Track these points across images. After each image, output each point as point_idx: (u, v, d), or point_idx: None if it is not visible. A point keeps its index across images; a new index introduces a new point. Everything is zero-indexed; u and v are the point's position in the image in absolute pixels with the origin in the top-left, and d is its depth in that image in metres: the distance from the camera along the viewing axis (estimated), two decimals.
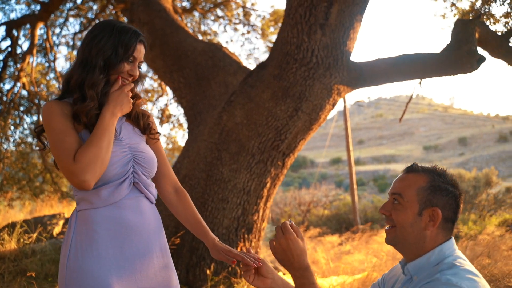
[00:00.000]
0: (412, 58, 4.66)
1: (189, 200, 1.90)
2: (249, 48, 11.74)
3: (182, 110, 12.88)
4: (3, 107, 9.97)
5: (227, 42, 12.92)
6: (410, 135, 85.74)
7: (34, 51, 9.70)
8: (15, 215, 7.67)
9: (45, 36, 10.84)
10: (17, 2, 10.82)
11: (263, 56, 13.14)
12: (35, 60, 10.09)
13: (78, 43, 11.91)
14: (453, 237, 1.59)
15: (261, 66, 4.61)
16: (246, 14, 11.88)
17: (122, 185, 1.62)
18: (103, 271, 1.54)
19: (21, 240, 4.99)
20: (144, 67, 17.13)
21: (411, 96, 6.27)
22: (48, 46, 10.77)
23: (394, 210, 1.58)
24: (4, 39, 9.62)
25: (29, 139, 11.33)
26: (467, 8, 6.44)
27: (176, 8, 9.73)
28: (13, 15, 9.87)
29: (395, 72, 4.63)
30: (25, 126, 11.22)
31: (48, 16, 9.34)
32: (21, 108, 10.90)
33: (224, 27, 12.04)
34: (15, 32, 9.90)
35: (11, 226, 5.25)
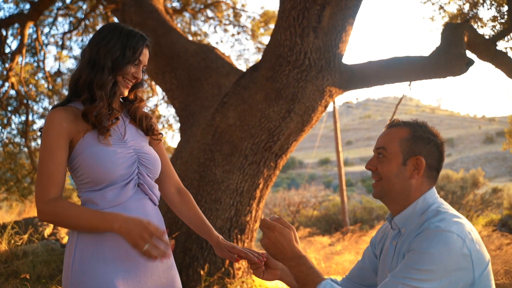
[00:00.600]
0: (402, 60, 4.73)
1: (192, 200, 1.93)
2: (239, 49, 11.79)
3: (172, 111, 12.87)
4: None
5: (217, 43, 12.91)
6: None
7: (24, 51, 9.61)
8: (4, 217, 7.60)
9: (34, 36, 10.75)
10: (5, 1, 10.71)
11: (253, 57, 13.17)
12: (24, 60, 10.00)
13: (68, 43, 11.87)
14: (434, 187, 1.64)
15: (254, 68, 4.65)
16: (236, 15, 11.90)
17: (127, 186, 1.64)
18: (108, 273, 1.55)
19: (12, 241, 4.95)
20: None
21: (401, 99, 6.36)
22: (37, 45, 10.69)
23: (380, 164, 1.62)
24: None
25: (17, 139, 11.23)
26: (455, 11, 6.55)
27: (166, 9, 9.72)
28: (0, 14, 9.75)
29: (386, 75, 4.70)
30: (13, 126, 11.13)
31: (38, 16, 9.27)
32: (9, 108, 10.79)
33: (214, 28, 12.05)
34: (3, 31, 9.81)
35: (2, 227, 5.20)
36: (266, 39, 11.81)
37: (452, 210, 1.55)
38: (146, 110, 1.88)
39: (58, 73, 11.62)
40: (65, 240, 5.94)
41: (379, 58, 4.88)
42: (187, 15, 11.77)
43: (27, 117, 10.69)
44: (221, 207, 4.46)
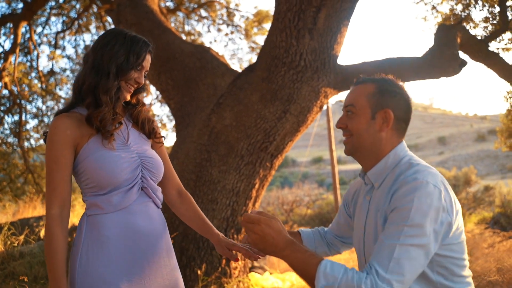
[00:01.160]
0: (396, 61, 4.78)
1: (192, 201, 1.98)
2: (232, 48, 11.78)
3: (165, 110, 12.88)
4: None
5: (211, 42, 12.92)
6: None
7: (17, 50, 9.57)
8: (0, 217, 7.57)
9: (27, 35, 10.70)
10: None
11: (247, 57, 13.18)
12: (17, 59, 9.96)
13: (61, 42, 11.80)
14: (403, 141, 1.68)
15: (249, 68, 4.68)
16: (230, 15, 11.91)
17: (132, 190, 1.67)
18: (113, 275, 1.59)
19: (8, 242, 4.95)
20: None
21: None
22: (30, 45, 10.64)
23: (349, 120, 1.66)
24: None
25: (10, 139, 11.17)
26: (448, 11, 6.61)
27: (160, 8, 9.71)
28: None
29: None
30: (6, 126, 11.07)
31: (31, 16, 9.23)
32: (2, 108, 10.74)
33: (208, 27, 12.05)
34: None
35: None
36: (259, 39, 11.83)
37: (423, 162, 1.60)
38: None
39: (51, 72, 11.58)
40: None
41: (373, 59, 4.91)
42: (180, 14, 11.77)
43: (20, 117, 10.64)
44: (218, 207, 4.50)
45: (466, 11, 6.32)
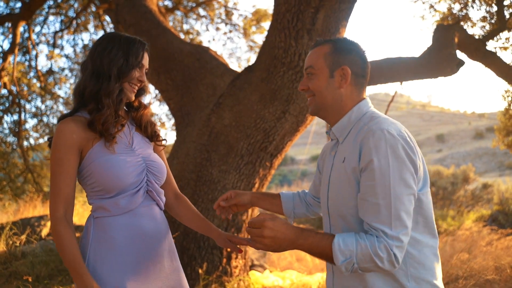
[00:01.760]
0: (394, 61, 4.81)
1: (189, 202, 2.03)
2: (231, 47, 11.80)
3: (164, 109, 12.89)
4: None
5: (209, 41, 12.96)
6: None
7: (16, 50, 9.57)
8: (0, 217, 7.60)
9: (26, 35, 10.70)
10: None
11: (245, 55, 13.17)
12: (16, 59, 9.96)
13: (59, 42, 11.79)
14: (368, 98, 1.75)
15: (249, 69, 4.71)
16: (228, 14, 11.91)
17: (138, 193, 1.71)
18: (121, 275, 1.63)
19: (10, 242, 4.97)
20: None
21: (393, 97, 6.46)
22: (29, 45, 10.64)
23: (310, 81, 1.71)
24: None
25: (9, 139, 11.18)
26: (445, 10, 6.64)
27: (159, 8, 9.72)
28: None
29: (378, 75, 4.77)
30: (5, 125, 11.08)
31: (30, 15, 9.23)
32: (1, 107, 10.74)
33: (206, 26, 12.05)
34: None
35: (0, 228, 5.22)
36: (258, 37, 11.86)
37: (386, 116, 1.66)
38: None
39: (50, 72, 11.59)
40: None
41: (372, 59, 4.94)
42: (179, 13, 11.77)
43: (19, 117, 10.65)
44: None
45: (464, 11, 6.35)
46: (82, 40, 13.59)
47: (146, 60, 1.81)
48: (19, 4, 9.95)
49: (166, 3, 11.30)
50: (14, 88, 10.41)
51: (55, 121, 11.72)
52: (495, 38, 5.80)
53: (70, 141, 1.64)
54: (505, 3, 5.76)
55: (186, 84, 5.53)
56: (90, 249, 1.65)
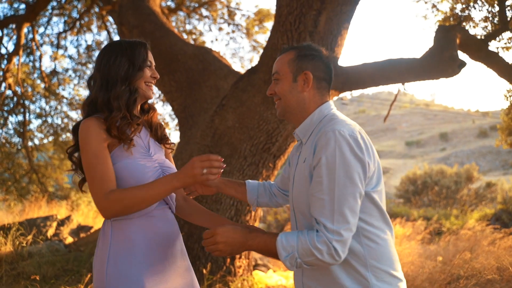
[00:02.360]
0: (396, 63, 4.83)
1: (195, 202, 2.12)
2: (234, 47, 11.83)
3: (167, 110, 12.94)
4: None
5: (212, 41, 12.97)
6: (392, 131, 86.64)
7: (21, 52, 9.64)
8: (4, 217, 7.66)
9: (30, 36, 10.77)
10: None
11: (248, 55, 13.18)
12: (20, 60, 10.02)
13: (62, 42, 11.86)
14: (331, 100, 1.85)
15: (252, 70, 4.75)
16: (231, 14, 11.94)
17: None
18: (140, 276, 1.69)
19: (17, 242, 5.03)
20: None
21: (396, 97, 6.47)
22: (33, 46, 10.70)
23: (276, 86, 1.83)
24: None
25: (14, 139, 11.25)
26: (448, 10, 6.65)
27: (161, 8, 9.76)
28: None
29: (380, 77, 4.80)
30: (10, 126, 11.15)
31: (34, 17, 9.30)
32: (6, 108, 10.81)
33: (209, 26, 12.08)
34: None
35: (7, 229, 5.28)
36: (261, 37, 11.90)
37: (344, 117, 1.77)
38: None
39: (54, 72, 11.65)
40: (68, 240, 6.02)
41: (374, 59, 4.97)
42: (181, 14, 11.80)
43: (24, 117, 10.72)
44: (222, 207, 4.58)
45: (466, 11, 6.36)
46: (86, 41, 13.62)
47: (151, 58, 1.89)
48: (23, 6, 10.02)
49: (168, 3, 11.34)
50: (18, 89, 10.49)
51: (59, 121, 11.80)
52: (497, 38, 5.81)
53: (100, 135, 1.70)
54: (507, 3, 5.77)
55: (189, 86, 5.57)
56: (110, 251, 1.70)
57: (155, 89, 11.09)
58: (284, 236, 1.61)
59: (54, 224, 6.24)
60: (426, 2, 7.02)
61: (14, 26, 10.10)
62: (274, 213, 18.49)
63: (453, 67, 4.66)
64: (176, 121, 11.15)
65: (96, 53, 11.99)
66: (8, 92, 10.49)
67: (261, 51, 11.80)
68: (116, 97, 1.74)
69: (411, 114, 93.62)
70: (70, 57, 12.08)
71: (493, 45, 5.96)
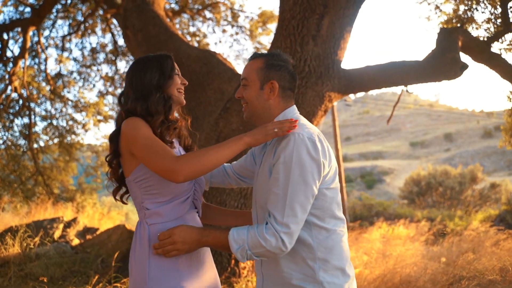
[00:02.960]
0: (398, 65, 4.87)
1: (216, 206, 2.29)
2: (237, 49, 11.86)
3: None
4: None
5: (216, 43, 13.04)
6: (396, 132, 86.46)
7: (26, 55, 9.73)
8: (12, 219, 7.74)
9: (35, 39, 10.85)
10: (5, 4, 10.81)
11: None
12: (26, 63, 10.11)
13: (67, 45, 11.95)
14: (295, 105, 1.98)
15: None
16: (234, 16, 11.98)
17: (187, 201, 1.90)
18: (180, 277, 1.79)
19: (25, 244, 5.10)
20: None
21: (398, 99, 6.50)
22: (39, 49, 10.79)
23: (244, 91, 1.94)
24: None
25: (20, 142, 11.32)
26: (451, 11, 6.67)
27: (165, 11, 9.81)
28: (0, 18, 9.85)
29: (382, 79, 4.84)
30: (16, 128, 11.22)
31: (40, 21, 9.38)
32: (11, 111, 10.88)
33: (213, 28, 12.13)
34: (5, 36, 9.91)
35: (14, 231, 5.35)
36: (264, 39, 11.91)
37: (305, 121, 1.89)
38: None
39: (59, 75, 11.73)
40: (74, 242, 6.09)
41: (377, 62, 5.01)
42: (185, 16, 11.86)
43: (30, 120, 10.80)
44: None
45: (469, 13, 6.39)
46: (90, 43, 13.71)
47: (177, 66, 2.03)
48: (28, 9, 10.10)
49: (172, 6, 11.40)
50: (24, 92, 10.57)
51: (64, 123, 11.88)
52: (500, 40, 5.83)
53: (149, 127, 1.81)
54: (510, 4, 5.79)
55: (193, 89, 5.62)
56: (150, 255, 1.78)
57: None
58: (235, 230, 1.74)
59: (61, 226, 6.30)
60: (429, 4, 7.04)
61: (19, 29, 10.20)
62: None
63: (455, 70, 4.70)
64: None
65: (101, 56, 12.13)
66: (14, 95, 10.58)
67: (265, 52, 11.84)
68: (154, 104, 1.86)
69: (415, 115, 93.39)
70: (75, 59, 12.17)
71: (496, 47, 5.99)
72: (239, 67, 13.86)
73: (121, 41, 11.63)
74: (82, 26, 11.30)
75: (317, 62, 4.35)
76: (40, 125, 16.39)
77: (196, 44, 11.80)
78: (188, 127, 2.16)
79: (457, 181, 19.15)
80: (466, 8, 6.38)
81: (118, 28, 11.21)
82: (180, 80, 2.00)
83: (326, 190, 1.79)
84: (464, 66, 4.77)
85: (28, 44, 9.69)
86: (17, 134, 11.26)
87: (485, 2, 6.17)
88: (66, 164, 12.01)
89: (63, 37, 11.51)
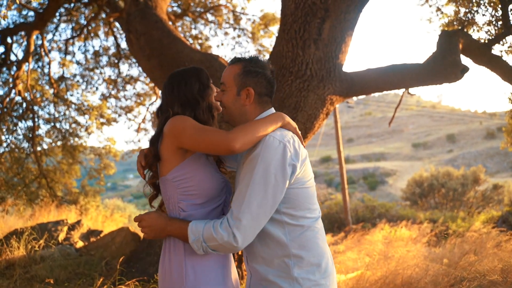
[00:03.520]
0: (399, 68, 4.91)
1: None
2: (240, 51, 11.89)
3: None
4: None
5: (218, 46, 12.98)
6: (399, 133, 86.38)
7: (30, 59, 9.79)
8: (16, 222, 7.79)
9: (38, 42, 10.92)
10: (9, 9, 10.86)
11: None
12: (30, 67, 10.17)
13: (70, 48, 12.02)
14: (272, 108, 2.04)
15: None
16: (236, 18, 12.02)
17: (218, 208, 1.99)
18: (216, 281, 1.88)
19: (29, 246, 5.15)
20: (136, 71, 17.12)
21: (400, 101, 6.54)
22: (42, 52, 10.86)
23: (222, 95, 2.00)
24: None
25: (24, 145, 11.39)
26: (452, 13, 6.70)
27: (167, 14, 9.85)
28: (4, 22, 9.90)
29: (384, 82, 4.88)
30: (19, 131, 11.29)
31: (43, 25, 9.45)
32: (15, 114, 10.95)
33: (215, 31, 12.17)
34: (9, 40, 9.98)
35: (20, 233, 5.40)
36: (266, 42, 11.98)
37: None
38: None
39: (62, 78, 11.80)
40: (78, 244, 6.13)
41: (377, 64, 5.03)
42: (187, 19, 11.91)
43: (33, 123, 10.86)
44: None
45: (470, 15, 6.42)
46: (93, 46, 13.76)
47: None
48: (31, 13, 10.17)
49: (174, 9, 11.45)
50: (27, 95, 10.63)
51: (67, 126, 11.95)
52: (500, 42, 5.87)
53: None
54: (511, 7, 5.82)
55: None
56: (186, 260, 1.86)
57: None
58: (194, 223, 1.82)
59: (65, 228, 6.35)
60: (430, 6, 7.09)
61: (23, 33, 10.27)
62: None
63: (456, 73, 4.73)
64: None
65: (103, 59, 12.20)
66: (18, 98, 10.64)
67: (267, 55, 11.89)
68: (202, 112, 1.97)
69: (418, 116, 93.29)
70: (78, 62, 12.24)
71: (496, 49, 6.02)
72: None
73: (123, 44, 11.73)
74: (85, 30, 11.38)
75: (318, 66, 4.39)
76: (43, 128, 16.49)
77: (198, 47, 11.85)
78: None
79: (460, 182, 19.15)
80: (467, 10, 6.42)
81: (121, 31, 11.28)
82: (216, 88, 2.10)
83: (298, 189, 1.84)
84: (465, 69, 4.80)
85: (32, 47, 9.76)
86: (20, 137, 11.34)
87: (486, 4, 6.22)
88: (69, 166, 12.08)
89: (66, 40, 11.59)
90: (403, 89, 5.63)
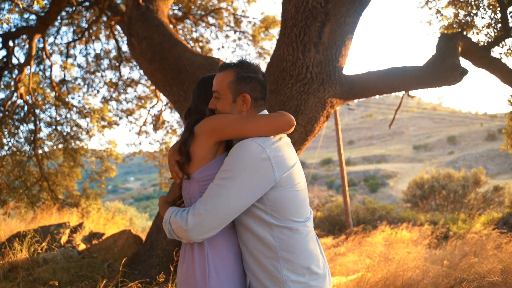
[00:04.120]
0: (399, 71, 4.94)
1: None
2: (240, 54, 11.93)
3: (175, 117, 13.06)
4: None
5: (218, 48, 13.03)
6: (399, 135, 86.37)
7: (32, 62, 9.84)
8: (18, 225, 7.82)
9: (40, 46, 10.97)
10: (11, 13, 10.88)
11: (255, 62, 13.25)
12: (31, 70, 10.22)
13: (72, 52, 12.07)
14: (265, 110, 2.05)
15: None
16: (237, 21, 12.06)
17: None
18: (237, 283, 1.93)
19: (32, 249, 5.18)
20: (137, 74, 17.18)
21: (400, 103, 6.57)
22: (44, 55, 10.91)
23: (218, 103, 1.99)
24: None
25: (25, 148, 11.42)
26: (452, 15, 6.74)
27: (169, 17, 9.89)
28: (6, 26, 9.96)
29: (383, 85, 4.91)
30: (21, 134, 11.33)
31: (45, 29, 9.50)
32: (17, 117, 10.99)
33: (216, 34, 12.22)
34: (11, 43, 10.03)
35: (22, 236, 5.43)
36: (267, 44, 12.05)
37: None
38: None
39: (63, 81, 11.85)
40: (81, 247, 6.16)
41: (377, 67, 5.06)
42: (188, 22, 11.95)
43: (35, 126, 10.90)
44: None
45: (469, 18, 6.46)
46: (94, 50, 13.78)
47: None
48: (33, 16, 10.22)
49: (175, 12, 11.50)
50: (29, 98, 10.68)
51: (68, 129, 11.99)
52: (500, 45, 5.90)
53: None
54: (510, 9, 5.86)
55: None
56: (209, 266, 1.89)
57: (163, 97, 11.13)
58: (175, 209, 1.90)
59: (67, 231, 6.38)
60: (430, 8, 7.13)
61: (25, 36, 10.32)
62: None
63: (455, 75, 4.76)
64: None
65: (105, 62, 12.25)
66: (19, 102, 10.69)
67: (267, 57, 11.94)
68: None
69: (419, 118, 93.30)
70: (79, 65, 12.29)
71: (496, 51, 6.06)
72: None
73: (124, 47, 11.76)
74: (86, 33, 11.43)
75: (319, 69, 4.43)
76: (45, 131, 16.52)
77: (199, 50, 11.90)
78: None
79: (461, 184, 19.16)
80: (466, 13, 6.46)
81: (122, 34, 11.33)
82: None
83: (284, 191, 1.84)
84: (464, 72, 4.84)
85: (34, 51, 9.80)
86: (22, 140, 11.37)
87: (485, 7, 6.26)
88: (70, 169, 12.11)
89: (68, 43, 11.64)
90: (403, 92, 5.66)
